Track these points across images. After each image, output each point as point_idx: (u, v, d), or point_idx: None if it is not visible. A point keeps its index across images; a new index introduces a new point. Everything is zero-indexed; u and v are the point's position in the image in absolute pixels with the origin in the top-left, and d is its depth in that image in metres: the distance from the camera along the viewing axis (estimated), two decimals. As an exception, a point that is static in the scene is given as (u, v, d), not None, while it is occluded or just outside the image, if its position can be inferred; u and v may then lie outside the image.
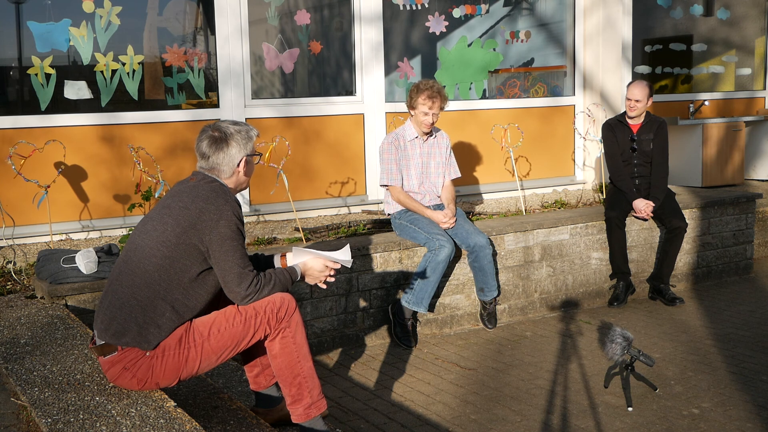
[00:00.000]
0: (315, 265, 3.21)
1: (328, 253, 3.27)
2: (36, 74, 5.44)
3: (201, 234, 2.90)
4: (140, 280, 2.90)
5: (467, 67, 7.26)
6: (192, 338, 2.94)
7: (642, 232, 6.03)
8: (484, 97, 7.38)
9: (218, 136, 3.07)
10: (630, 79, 7.29)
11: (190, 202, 2.94)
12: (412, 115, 5.19)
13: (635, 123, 5.90)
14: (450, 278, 5.26)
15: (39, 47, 5.46)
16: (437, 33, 7.06)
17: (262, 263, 3.35)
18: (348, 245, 3.37)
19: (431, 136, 5.28)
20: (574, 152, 7.79)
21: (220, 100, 6.06)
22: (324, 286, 3.29)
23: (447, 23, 7.07)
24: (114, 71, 5.68)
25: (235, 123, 3.15)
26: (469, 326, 5.37)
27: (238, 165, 3.10)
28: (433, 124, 5.15)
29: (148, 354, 2.88)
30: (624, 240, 5.76)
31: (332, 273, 3.25)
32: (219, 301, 3.13)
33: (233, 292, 2.96)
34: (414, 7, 6.94)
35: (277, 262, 3.32)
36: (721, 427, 3.77)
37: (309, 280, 3.24)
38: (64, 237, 5.46)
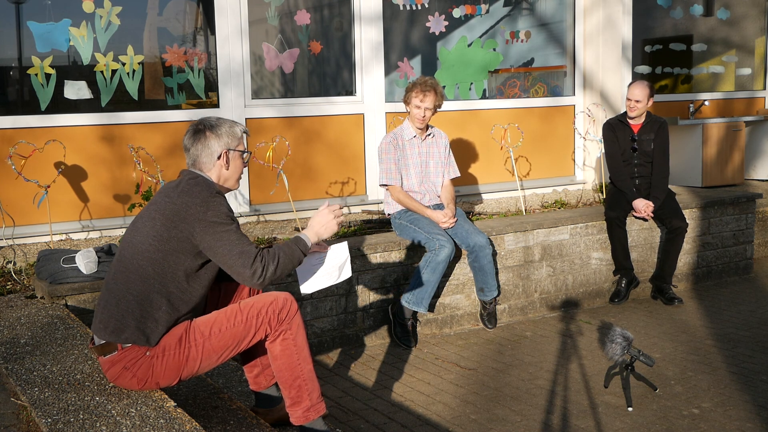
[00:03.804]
0: (320, 218, 3.14)
1: (327, 251, 3.29)
2: (36, 74, 5.44)
3: (191, 226, 2.87)
4: (135, 275, 2.90)
5: (467, 67, 7.25)
6: (193, 337, 2.93)
7: (642, 232, 6.03)
8: (484, 97, 7.38)
9: (199, 128, 3.08)
10: (630, 79, 7.30)
11: (176, 197, 2.94)
12: (408, 112, 5.20)
13: (636, 123, 5.89)
14: (450, 278, 5.26)
15: (39, 47, 5.46)
16: (437, 33, 7.06)
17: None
18: (346, 242, 3.37)
19: (429, 135, 5.28)
20: (574, 152, 7.79)
21: (220, 100, 6.06)
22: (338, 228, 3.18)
23: (447, 23, 7.07)
24: (114, 71, 5.68)
25: (222, 119, 3.14)
26: (469, 326, 5.37)
27: (219, 158, 3.07)
28: (425, 119, 5.13)
29: (148, 353, 2.88)
30: (625, 237, 5.76)
31: (340, 215, 3.16)
32: (219, 300, 3.12)
33: (242, 275, 2.88)
34: (414, 7, 6.94)
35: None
36: (721, 427, 3.77)
37: (325, 234, 3.14)
38: (64, 237, 5.46)
